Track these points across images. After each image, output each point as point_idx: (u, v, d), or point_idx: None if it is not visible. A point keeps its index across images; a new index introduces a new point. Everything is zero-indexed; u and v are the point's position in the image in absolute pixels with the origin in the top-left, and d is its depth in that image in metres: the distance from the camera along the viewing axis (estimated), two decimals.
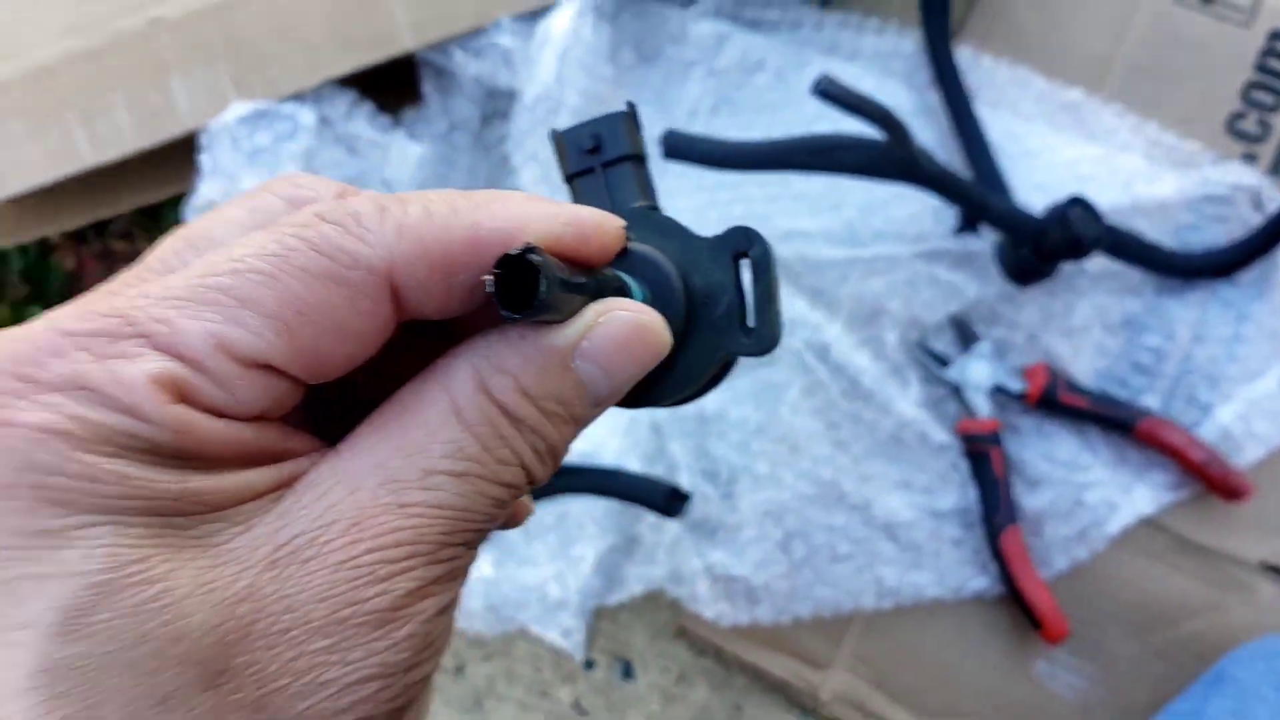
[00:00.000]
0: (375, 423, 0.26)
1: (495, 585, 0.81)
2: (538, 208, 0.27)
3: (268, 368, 0.24)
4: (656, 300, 0.29)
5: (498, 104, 0.83)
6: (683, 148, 0.65)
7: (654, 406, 0.31)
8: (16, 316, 0.93)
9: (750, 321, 0.30)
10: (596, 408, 0.28)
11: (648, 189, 0.34)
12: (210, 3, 0.73)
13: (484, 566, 0.81)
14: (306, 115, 0.74)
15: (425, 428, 0.26)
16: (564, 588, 0.80)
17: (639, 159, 0.34)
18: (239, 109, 0.73)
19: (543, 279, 0.23)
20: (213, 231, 0.27)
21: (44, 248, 0.97)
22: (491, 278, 0.23)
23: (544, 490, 0.75)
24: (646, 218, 0.31)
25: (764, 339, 0.30)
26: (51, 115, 0.74)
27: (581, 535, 0.80)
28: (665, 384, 0.30)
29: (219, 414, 0.24)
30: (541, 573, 0.81)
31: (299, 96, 0.75)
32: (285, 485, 0.25)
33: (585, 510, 0.80)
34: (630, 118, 0.34)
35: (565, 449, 0.28)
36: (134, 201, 0.85)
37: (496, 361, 0.26)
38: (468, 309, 0.27)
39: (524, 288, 0.23)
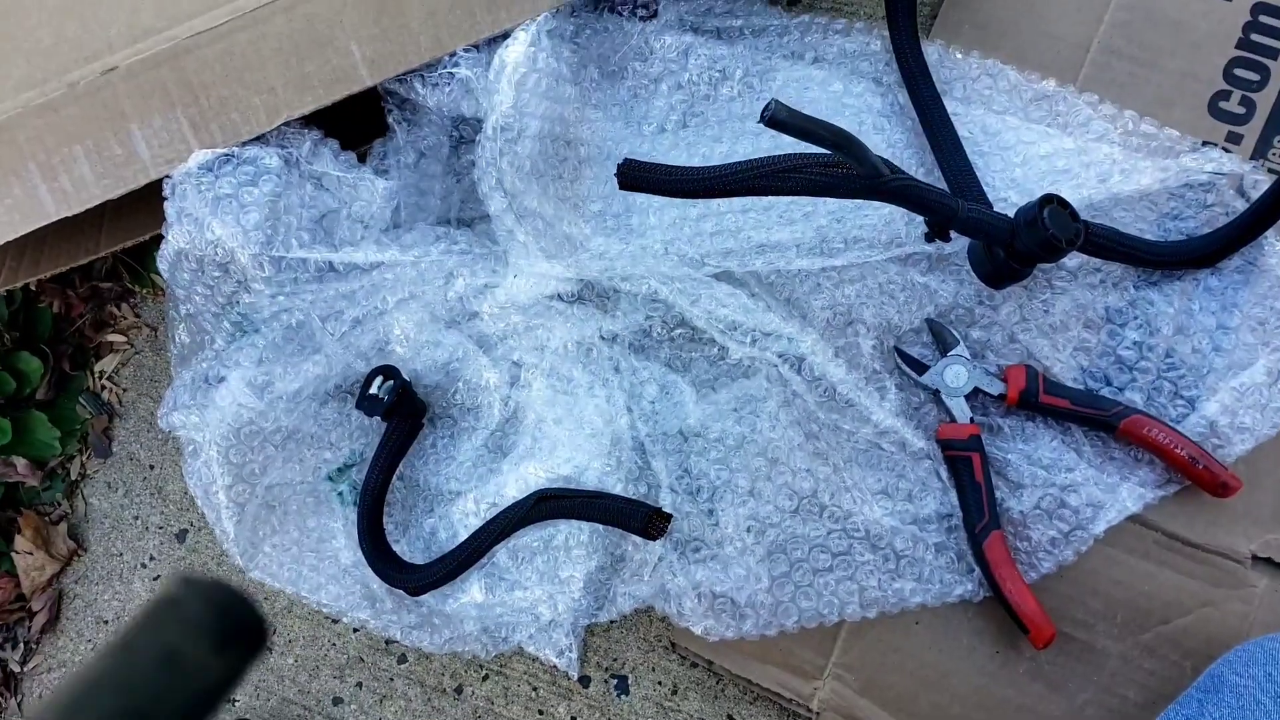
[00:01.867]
0: None
1: (488, 609, 0.82)
2: None
3: None
4: None
5: (465, 130, 0.83)
6: (638, 178, 0.64)
7: None
8: (6, 365, 0.95)
9: None
10: None
11: None
12: (162, 50, 0.73)
13: (474, 592, 0.81)
14: (270, 158, 0.74)
15: None
16: (555, 609, 0.81)
17: None
18: (200, 155, 0.73)
19: None
20: None
21: (28, 294, 0.98)
22: None
23: (528, 518, 0.76)
24: None
25: None
26: (12, 171, 0.74)
27: (569, 558, 0.80)
28: None
29: None
30: (532, 595, 0.81)
31: (261, 139, 0.75)
32: None
33: (571, 532, 0.80)
34: None
35: None
36: (114, 244, 0.85)
37: None
38: None
39: None
